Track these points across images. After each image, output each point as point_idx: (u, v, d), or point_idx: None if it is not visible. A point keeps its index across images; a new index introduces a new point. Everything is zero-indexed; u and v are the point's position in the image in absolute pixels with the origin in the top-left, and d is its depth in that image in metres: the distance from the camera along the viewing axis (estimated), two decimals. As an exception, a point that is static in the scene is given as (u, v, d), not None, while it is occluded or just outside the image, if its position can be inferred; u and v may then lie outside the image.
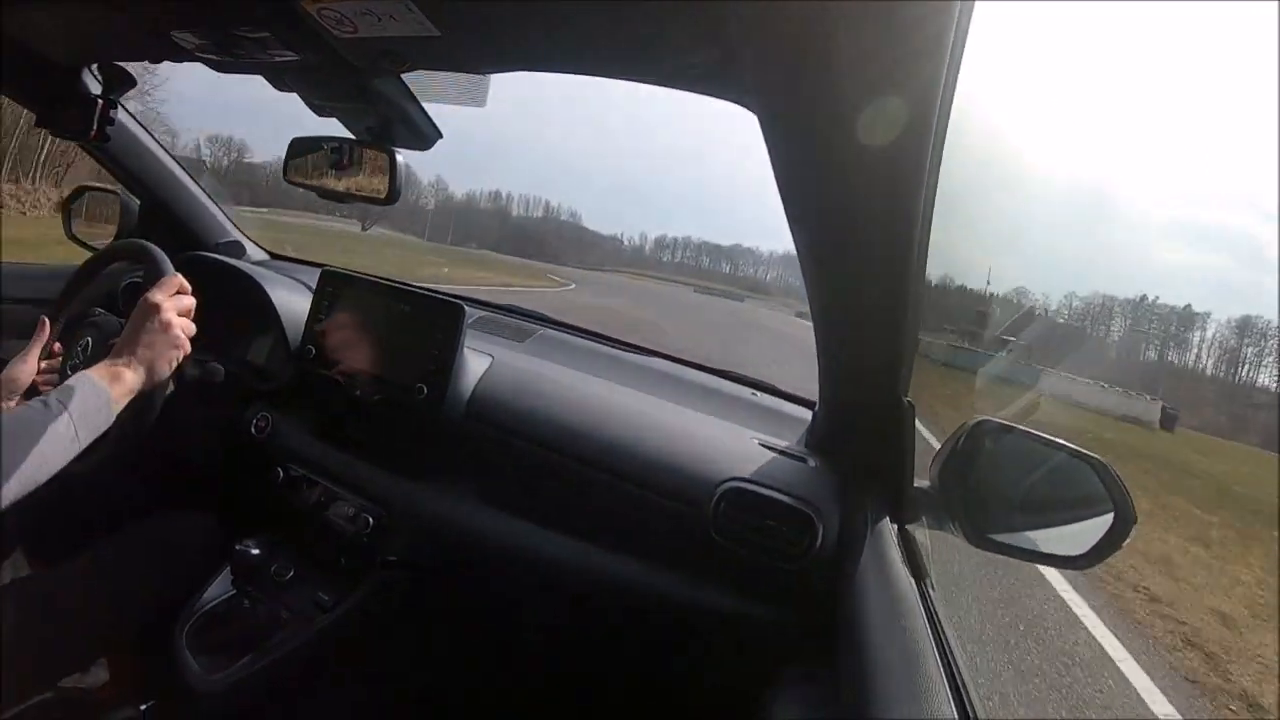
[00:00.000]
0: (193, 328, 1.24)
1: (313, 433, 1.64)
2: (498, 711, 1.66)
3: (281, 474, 1.57)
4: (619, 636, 1.49)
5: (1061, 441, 1.08)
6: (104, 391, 1.07)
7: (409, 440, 1.55)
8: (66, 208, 2.01)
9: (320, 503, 1.54)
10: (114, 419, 1.09)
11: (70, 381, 1.05)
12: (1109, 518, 0.98)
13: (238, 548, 1.37)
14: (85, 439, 1.02)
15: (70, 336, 1.34)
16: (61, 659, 1.24)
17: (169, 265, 1.29)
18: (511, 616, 1.54)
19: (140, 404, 1.18)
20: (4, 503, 0.92)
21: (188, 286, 1.25)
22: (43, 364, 1.27)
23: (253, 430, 1.63)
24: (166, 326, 1.18)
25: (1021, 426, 1.10)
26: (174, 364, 1.20)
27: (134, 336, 1.16)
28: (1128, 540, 0.97)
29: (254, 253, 2.16)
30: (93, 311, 1.40)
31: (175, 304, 1.21)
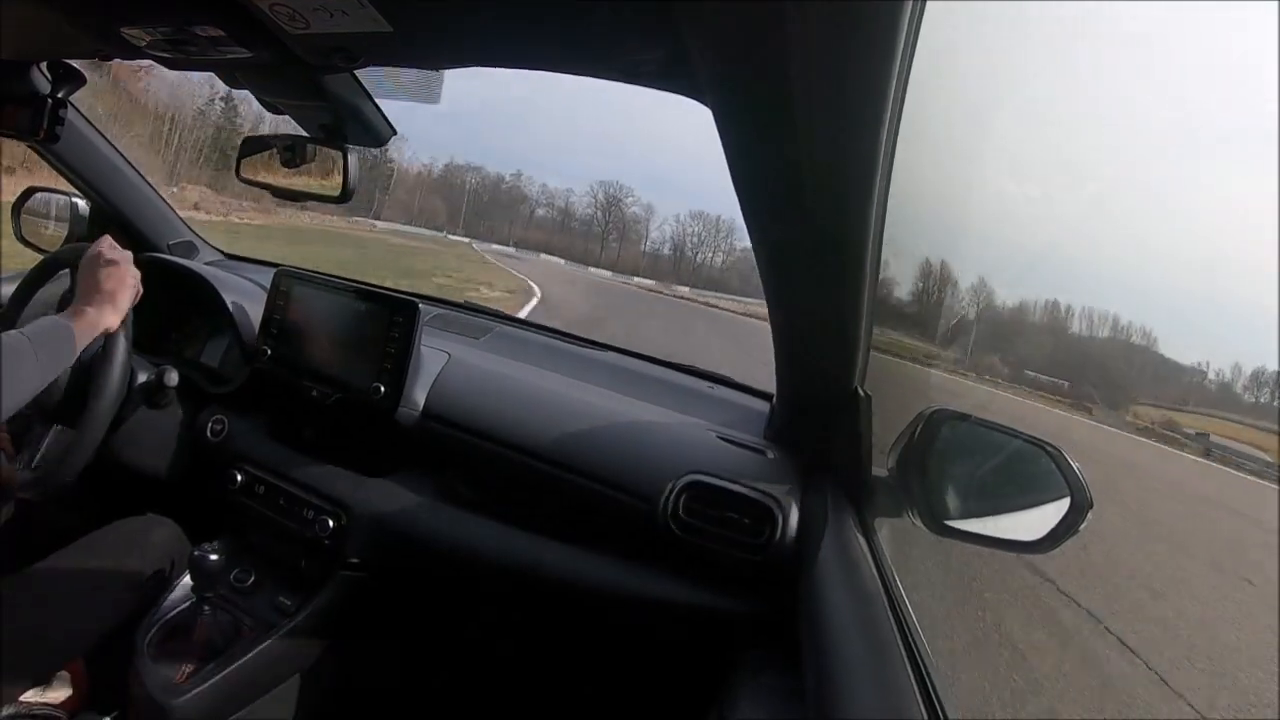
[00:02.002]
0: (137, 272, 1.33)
1: (269, 435, 1.62)
2: (463, 710, 1.66)
3: (239, 477, 1.55)
4: (581, 632, 1.49)
5: (1016, 429, 1.10)
6: (67, 326, 1.15)
7: (366, 440, 1.54)
8: (16, 210, 1.96)
9: (279, 505, 1.52)
10: (77, 354, 1.17)
11: (46, 320, 1.13)
12: (1065, 502, 1.00)
13: (195, 553, 1.34)
14: (50, 370, 1.09)
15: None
16: (21, 670, 1.22)
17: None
18: (473, 614, 1.53)
19: (107, 354, 1.30)
20: None
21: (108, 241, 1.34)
22: None
23: (208, 434, 1.61)
24: (114, 264, 1.28)
25: (977, 415, 1.12)
26: (131, 299, 1.31)
27: (88, 281, 1.26)
28: (1084, 524, 0.99)
29: (206, 253, 2.13)
30: (46, 315, 1.37)
31: (115, 251, 1.32)
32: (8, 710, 1.20)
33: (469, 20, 0.84)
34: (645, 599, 1.27)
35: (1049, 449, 1.05)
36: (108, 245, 1.33)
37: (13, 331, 1.05)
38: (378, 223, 61.27)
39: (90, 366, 1.33)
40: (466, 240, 70.17)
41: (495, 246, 70.28)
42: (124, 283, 1.29)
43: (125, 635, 1.36)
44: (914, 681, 0.76)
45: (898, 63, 0.54)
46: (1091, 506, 0.99)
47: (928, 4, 0.53)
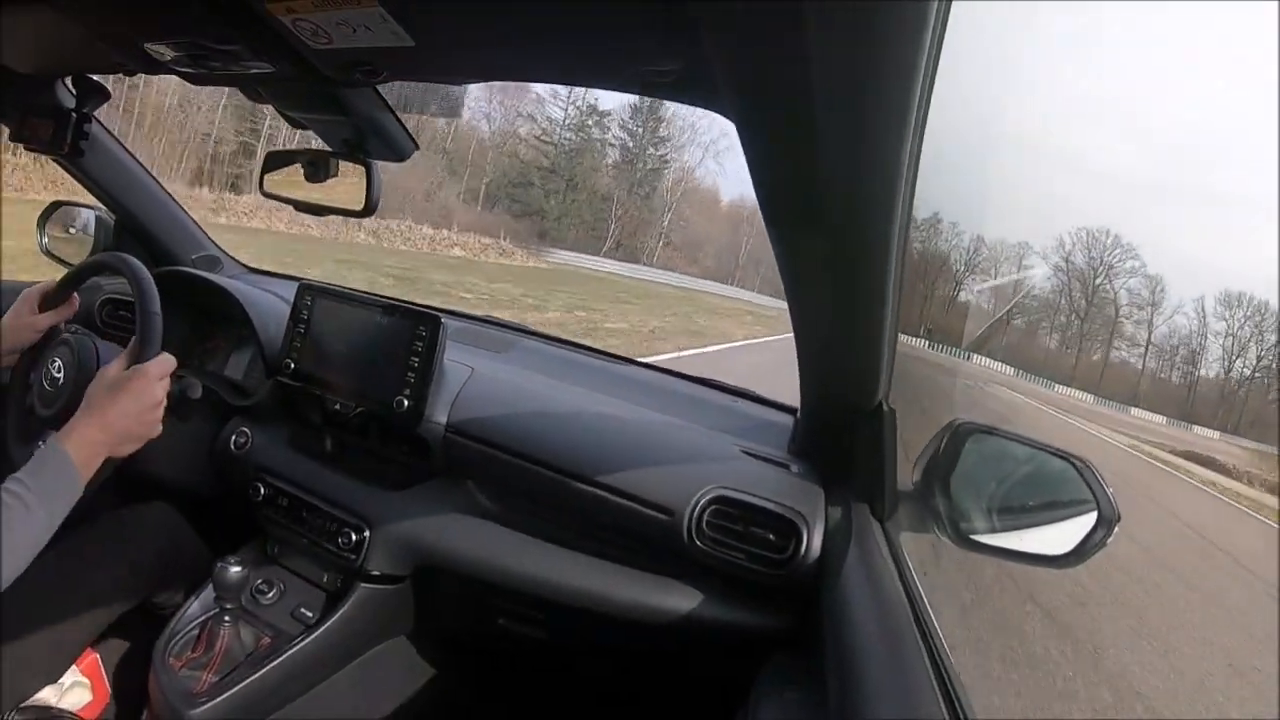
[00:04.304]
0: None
1: (292, 447, 1.63)
2: None
3: (262, 489, 1.56)
4: (604, 646, 1.48)
5: (1043, 442, 1.09)
6: (74, 472, 1.02)
7: (389, 453, 1.54)
8: (41, 223, 1.99)
9: (301, 518, 1.52)
10: (83, 487, 1.04)
11: (44, 456, 1.01)
12: (1092, 516, 0.98)
13: (219, 564, 1.35)
14: (58, 521, 0.99)
15: (43, 353, 1.32)
16: (33, 665, 1.22)
17: (149, 278, 1.26)
18: (495, 628, 1.53)
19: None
20: None
21: (173, 363, 1.19)
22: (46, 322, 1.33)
23: (231, 446, 1.61)
24: (153, 407, 1.13)
25: (1003, 428, 1.11)
26: (140, 444, 1.14)
27: (116, 403, 1.09)
28: (1111, 538, 0.97)
29: (230, 267, 2.14)
30: (67, 328, 1.38)
31: (164, 385, 1.17)
32: (28, 716, 1.21)
33: (491, 35, 0.84)
34: (667, 613, 1.27)
35: (1076, 462, 1.03)
36: (166, 373, 1.17)
37: (24, 486, 0.96)
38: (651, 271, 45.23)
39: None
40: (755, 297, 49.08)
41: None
42: (147, 427, 1.13)
43: (144, 637, 1.38)
44: (940, 697, 0.75)
45: (922, 69, 0.54)
46: (1119, 520, 0.97)
47: (952, 8, 0.52)
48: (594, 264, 40.84)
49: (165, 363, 1.17)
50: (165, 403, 1.17)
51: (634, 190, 54.61)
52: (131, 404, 1.10)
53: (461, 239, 33.58)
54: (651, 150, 54.63)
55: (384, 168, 1.22)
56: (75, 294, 1.36)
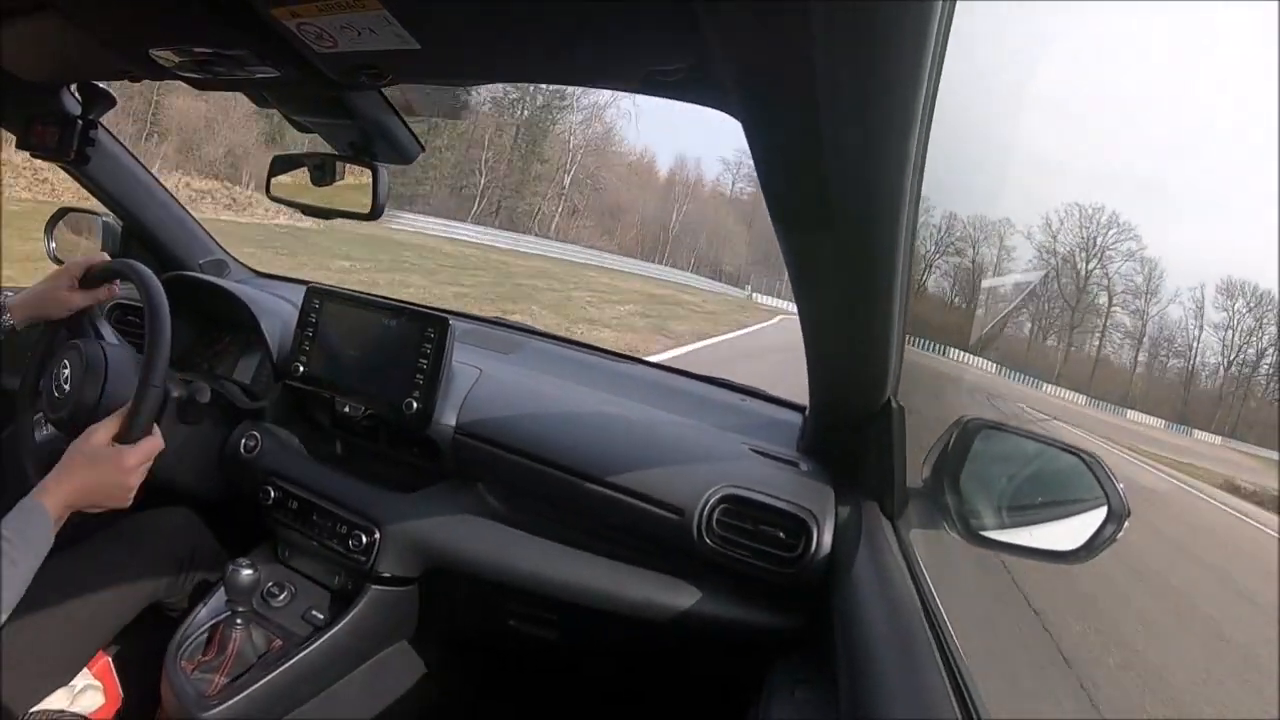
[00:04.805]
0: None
1: (302, 450, 1.63)
2: None
3: (272, 492, 1.56)
4: (613, 646, 1.49)
5: (1051, 437, 1.09)
6: (50, 527, 1.04)
7: (399, 455, 1.55)
8: (49, 229, 2.00)
9: (312, 521, 1.53)
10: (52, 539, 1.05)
11: (26, 511, 1.02)
12: (1101, 511, 0.98)
13: (230, 567, 1.36)
14: (32, 575, 1.00)
15: (52, 358, 1.33)
16: (47, 665, 1.24)
17: (157, 284, 1.27)
18: (507, 630, 1.53)
19: None
20: None
21: (159, 447, 1.19)
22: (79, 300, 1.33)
23: (241, 449, 1.62)
24: (126, 489, 1.14)
25: (1011, 424, 1.11)
26: (125, 498, 1.15)
27: (93, 474, 1.10)
28: (1121, 533, 0.97)
29: (238, 271, 2.15)
30: (91, 321, 1.38)
31: (144, 470, 1.16)
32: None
33: (496, 36, 0.84)
34: (678, 612, 1.27)
35: (1085, 457, 1.03)
36: (150, 458, 1.17)
37: (8, 541, 0.97)
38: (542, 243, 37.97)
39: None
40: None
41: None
42: (116, 503, 1.14)
43: (156, 639, 1.38)
44: (951, 695, 0.75)
45: (927, 67, 0.54)
46: (1129, 515, 0.97)
47: (957, 7, 0.52)
48: (457, 232, 32.92)
49: (149, 449, 1.17)
50: (139, 484, 1.16)
51: (520, 136, 44.21)
52: (106, 480, 1.11)
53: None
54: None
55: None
56: (117, 284, 1.35)
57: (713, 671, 1.45)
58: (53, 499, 1.05)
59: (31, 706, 1.21)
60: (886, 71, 0.54)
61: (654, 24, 0.71)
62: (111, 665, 1.38)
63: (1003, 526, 1.10)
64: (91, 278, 1.33)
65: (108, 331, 1.35)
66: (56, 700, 1.25)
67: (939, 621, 0.91)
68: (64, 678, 1.27)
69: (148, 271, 1.28)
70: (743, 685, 1.16)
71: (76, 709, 1.28)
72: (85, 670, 1.32)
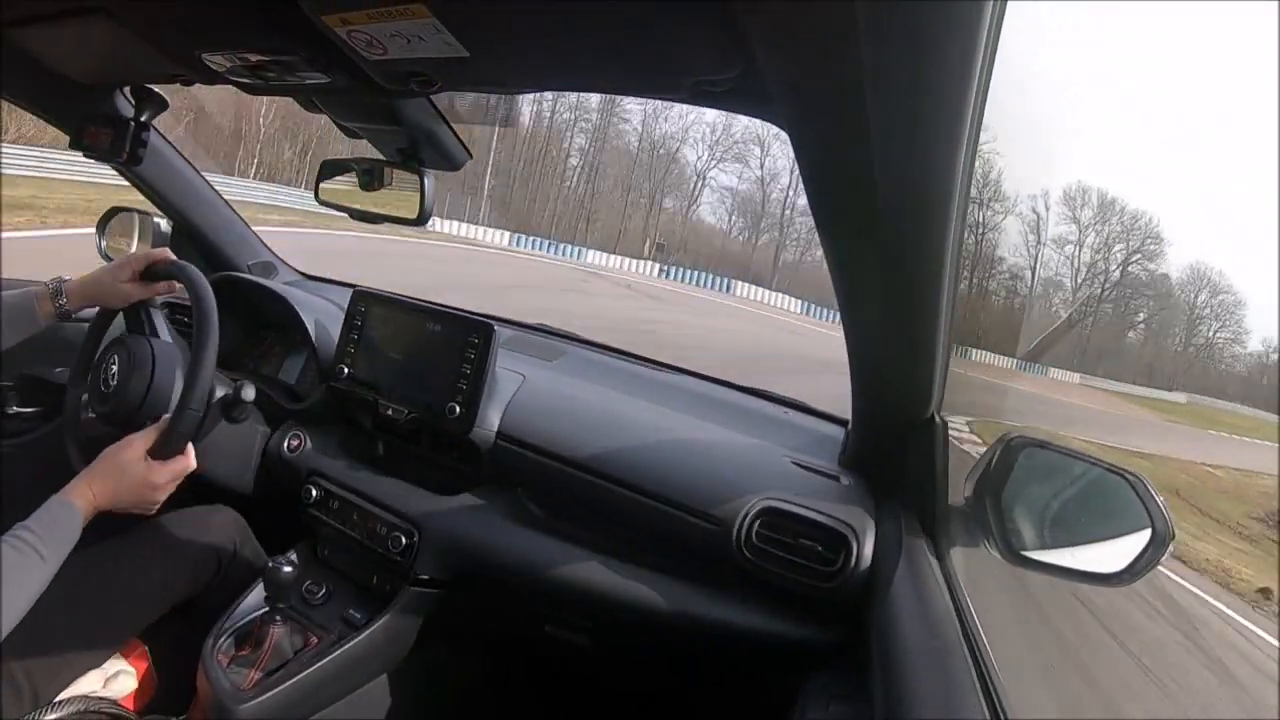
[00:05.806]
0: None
1: (344, 451, 1.65)
2: None
3: (314, 492, 1.58)
4: (649, 655, 1.48)
5: (1095, 457, 1.07)
6: (78, 526, 1.09)
7: (440, 459, 1.56)
8: (101, 227, 2.04)
9: (352, 520, 1.54)
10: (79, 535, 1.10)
11: (55, 510, 1.07)
12: (1146, 534, 0.96)
13: (270, 564, 1.37)
14: (55, 570, 1.04)
15: (103, 355, 1.36)
16: (85, 641, 1.26)
17: (205, 284, 1.29)
18: (541, 635, 1.54)
19: None
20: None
21: (191, 467, 1.23)
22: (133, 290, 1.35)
23: (285, 448, 1.64)
24: (154, 501, 1.20)
25: (1055, 443, 1.09)
26: (153, 504, 1.21)
27: (124, 482, 1.15)
28: (1165, 556, 0.95)
29: (285, 273, 2.18)
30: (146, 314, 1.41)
31: (172, 487, 1.22)
32: (74, 707, 1.23)
33: (545, 45, 0.84)
34: (713, 623, 1.26)
35: (1130, 477, 1.01)
36: (179, 478, 1.22)
37: (17, 530, 1.01)
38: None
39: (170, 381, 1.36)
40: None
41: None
42: (141, 509, 1.20)
43: (193, 631, 1.40)
44: (988, 716, 0.74)
45: (977, 72, 0.53)
46: (1174, 538, 0.95)
47: (1008, 8, 0.51)
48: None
49: (179, 469, 1.21)
50: (165, 498, 1.22)
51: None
52: (134, 492, 1.17)
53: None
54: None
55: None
56: (177, 282, 1.36)
57: (746, 683, 1.44)
58: (82, 499, 1.10)
59: (64, 688, 1.23)
60: (934, 77, 0.53)
61: (702, 35, 0.72)
62: (149, 654, 1.40)
63: (1044, 546, 1.08)
64: (153, 273, 1.35)
65: (163, 327, 1.38)
66: (89, 683, 1.28)
67: (977, 643, 0.90)
68: (96, 660, 1.30)
69: (205, 284, 1.30)
70: (777, 698, 1.15)
71: (108, 693, 1.30)
72: (119, 656, 1.34)
